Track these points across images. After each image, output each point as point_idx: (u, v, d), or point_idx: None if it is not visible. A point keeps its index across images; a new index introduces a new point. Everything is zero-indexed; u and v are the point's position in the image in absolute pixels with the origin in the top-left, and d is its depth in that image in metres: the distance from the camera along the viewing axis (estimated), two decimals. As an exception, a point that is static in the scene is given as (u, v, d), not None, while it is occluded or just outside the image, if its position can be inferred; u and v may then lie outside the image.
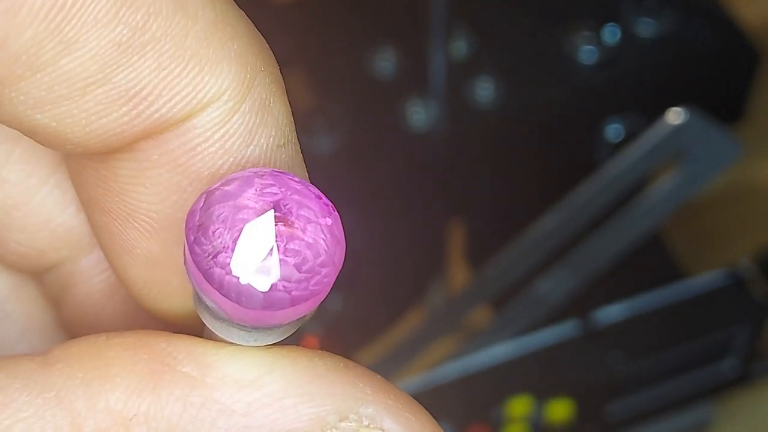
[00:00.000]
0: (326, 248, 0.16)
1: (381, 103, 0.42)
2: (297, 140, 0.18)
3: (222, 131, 0.17)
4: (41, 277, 0.21)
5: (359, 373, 0.17)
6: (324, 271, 0.16)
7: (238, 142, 0.17)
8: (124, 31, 0.16)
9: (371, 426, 0.16)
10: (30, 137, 0.17)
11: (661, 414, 0.43)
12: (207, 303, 0.16)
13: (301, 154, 0.18)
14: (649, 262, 0.43)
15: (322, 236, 0.16)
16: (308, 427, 0.16)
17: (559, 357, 0.40)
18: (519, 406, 0.40)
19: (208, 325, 0.17)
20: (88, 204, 0.19)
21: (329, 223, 0.16)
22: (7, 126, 0.17)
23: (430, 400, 0.18)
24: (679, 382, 0.43)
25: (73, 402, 0.16)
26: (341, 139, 0.41)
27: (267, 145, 0.17)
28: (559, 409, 0.41)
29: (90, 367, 0.16)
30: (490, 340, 0.41)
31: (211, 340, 0.17)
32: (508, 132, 0.42)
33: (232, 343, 0.17)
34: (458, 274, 0.46)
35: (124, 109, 0.16)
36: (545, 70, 0.43)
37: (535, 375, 0.40)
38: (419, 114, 0.41)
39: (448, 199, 0.43)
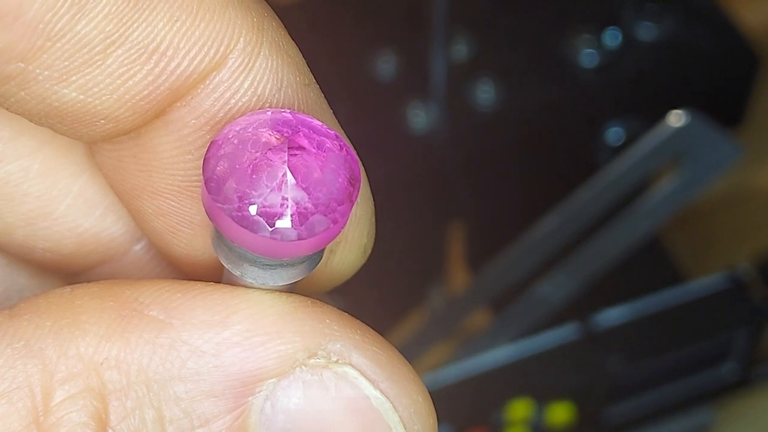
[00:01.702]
0: (342, 183, 0.16)
1: (382, 105, 0.42)
2: (315, 81, 0.18)
3: (250, 78, 0.17)
4: (73, 280, 0.21)
5: (326, 310, 0.17)
6: (340, 206, 0.16)
7: (269, 86, 0.17)
8: None
9: (339, 361, 0.17)
10: (60, 125, 0.17)
11: (661, 417, 0.43)
12: (225, 241, 0.16)
13: (323, 95, 0.18)
14: (649, 265, 0.43)
15: (338, 170, 0.16)
16: (277, 365, 0.16)
17: (559, 360, 0.40)
18: (519, 409, 0.40)
19: (226, 266, 0.17)
20: (133, 195, 0.19)
21: (344, 158, 0.16)
22: (36, 118, 0.17)
23: (430, 402, 0.18)
24: (679, 385, 0.43)
25: (44, 350, 0.16)
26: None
27: (296, 86, 0.17)
28: (560, 412, 0.41)
29: (58, 316, 0.16)
30: (490, 343, 0.41)
31: (230, 284, 0.17)
32: (509, 135, 0.42)
33: (249, 286, 0.17)
34: (458, 277, 0.46)
35: (147, 67, 0.16)
36: (546, 73, 0.43)
37: (536, 378, 0.40)
38: (420, 116, 0.42)
39: (448, 202, 0.43)
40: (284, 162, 0.16)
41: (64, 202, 0.20)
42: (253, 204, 0.16)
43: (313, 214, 0.16)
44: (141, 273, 0.20)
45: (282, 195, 0.16)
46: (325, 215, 0.16)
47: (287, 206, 0.16)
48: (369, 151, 0.41)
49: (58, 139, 0.19)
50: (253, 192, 0.16)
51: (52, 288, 0.21)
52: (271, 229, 0.16)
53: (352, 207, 0.16)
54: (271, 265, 0.17)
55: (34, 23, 0.16)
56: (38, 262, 0.20)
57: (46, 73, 0.16)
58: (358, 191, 0.17)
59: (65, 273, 0.20)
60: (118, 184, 0.19)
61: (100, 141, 0.18)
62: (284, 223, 0.16)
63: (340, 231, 0.16)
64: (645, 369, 0.41)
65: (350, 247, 0.19)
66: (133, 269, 0.20)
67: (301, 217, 0.16)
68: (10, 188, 0.19)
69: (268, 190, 0.16)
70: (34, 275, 0.21)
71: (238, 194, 0.16)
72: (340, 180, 0.16)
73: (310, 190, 0.16)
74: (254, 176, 0.16)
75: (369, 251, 0.20)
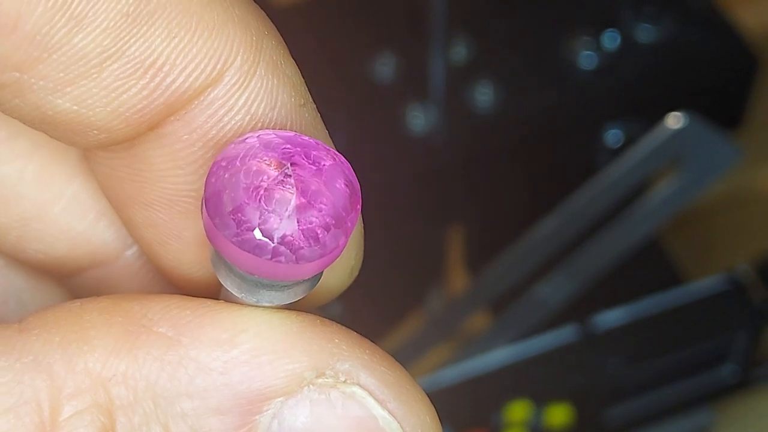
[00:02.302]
0: (342, 189, 0.16)
1: (381, 107, 0.42)
2: (312, 101, 0.18)
3: (244, 97, 0.17)
4: (65, 282, 0.21)
5: (334, 329, 0.17)
6: (348, 213, 0.16)
7: (262, 106, 0.17)
8: (130, 1, 0.16)
9: (348, 381, 0.17)
10: (54, 132, 0.17)
11: (661, 419, 0.43)
12: (238, 272, 0.17)
13: (319, 114, 0.18)
14: (649, 267, 0.43)
15: (336, 178, 0.16)
16: (285, 384, 0.16)
17: (558, 362, 0.40)
18: (518, 411, 0.40)
19: (238, 295, 0.17)
20: (125, 203, 0.19)
21: (339, 166, 0.16)
22: (30, 123, 0.17)
23: (429, 404, 0.18)
24: (679, 387, 0.43)
25: (52, 365, 0.16)
26: (341, 143, 0.41)
27: (290, 106, 0.17)
28: (558, 414, 0.41)
29: (66, 331, 0.16)
30: (489, 345, 0.41)
31: (231, 301, 0.17)
32: (508, 137, 0.42)
33: (250, 305, 0.17)
34: (457, 279, 0.46)
35: (142, 82, 0.16)
36: (545, 75, 0.43)
37: (535, 380, 0.40)
38: (419, 119, 0.42)
39: (447, 204, 0.43)
40: (286, 185, 0.16)
41: (58, 204, 0.20)
42: (269, 234, 0.16)
43: (326, 228, 0.16)
44: (132, 278, 0.20)
45: (296, 218, 0.16)
46: (338, 227, 0.16)
47: (303, 227, 0.16)
48: (368, 154, 0.41)
49: (53, 142, 0.19)
50: (265, 222, 0.16)
51: (49, 290, 0.21)
52: (292, 255, 0.16)
53: (359, 213, 0.16)
54: (288, 285, 0.17)
55: (31, 35, 0.16)
56: (30, 262, 0.20)
57: (41, 83, 0.16)
58: (360, 196, 0.17)
59: (57, 274, 0.21)
60: (110, 191, 0.19)
61: (93, 149, 0.18)
62: (303, 244, 0.16)
63: (350, 235, 0.16)
64: (644, 371, 0.41)
65: (337, 269, 0.19)
66: (124, 274, 0.20)
67: (313, 233, 0.16)
68: (6, 189, 0.19)
69: (279, 219, 0.16)
70: (31, 277, 0.21)
71: (247, 226, 0.16)
72: (338, 187, 0.16)
73: (315, 204, 0.16)
74: (262, 206, 0.16)
75: (356, 273, 0.20)
